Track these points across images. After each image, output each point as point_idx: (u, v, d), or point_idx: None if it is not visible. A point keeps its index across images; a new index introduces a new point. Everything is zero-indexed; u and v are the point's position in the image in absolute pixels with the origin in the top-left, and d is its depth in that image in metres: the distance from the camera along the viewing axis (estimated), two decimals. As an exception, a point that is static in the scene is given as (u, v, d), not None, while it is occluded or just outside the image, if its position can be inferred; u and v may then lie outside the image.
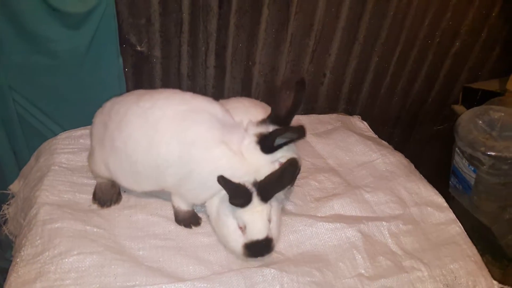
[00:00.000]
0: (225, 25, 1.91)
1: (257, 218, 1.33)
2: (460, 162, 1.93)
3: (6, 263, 2.13)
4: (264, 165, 1.41)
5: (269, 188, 1.34)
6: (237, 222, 1.35)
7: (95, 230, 1.43)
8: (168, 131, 1.38)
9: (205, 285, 1.28)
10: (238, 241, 1.35)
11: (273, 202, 1.40)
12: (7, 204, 1.76)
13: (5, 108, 1.88)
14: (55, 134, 1.91)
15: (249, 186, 1.33)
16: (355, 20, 2.10)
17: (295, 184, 1.73)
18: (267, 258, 1.41)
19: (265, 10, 1.91)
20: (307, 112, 2.30)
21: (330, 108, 2.37)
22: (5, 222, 1.72)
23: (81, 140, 1.82)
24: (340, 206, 1.64)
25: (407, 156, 1.96)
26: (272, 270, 1.33)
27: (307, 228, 1.52)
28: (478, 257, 1.54)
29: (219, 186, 1.28)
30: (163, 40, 1.96)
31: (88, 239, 1.38)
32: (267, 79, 2.15)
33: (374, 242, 1.51)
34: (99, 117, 1.58)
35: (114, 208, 1.55)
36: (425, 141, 2.76)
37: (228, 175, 1.29)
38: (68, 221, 1.43)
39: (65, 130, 1.88)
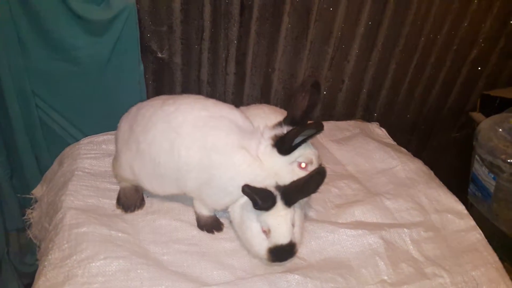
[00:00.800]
0: (246, 33, 1.93)
1: (282, 222, 1.34)
2: (480, 170, 1.93)
3: (26, 267, 2.18)
4: (282, 167, 1.42)
5: (293, 193, 1.36)
6: (261, 226, 1.36)
7: (120, 235, 1.45)
8: (189, 135, 1.41)
9: (227, 288, 1.29)
10: (262, 245, 1.35)
11: (296, 207, 1.41)
12: (31, 209, 1.78)
13: (28, 114, 1.92)
14: (76, 139, 1.94)
15: (272, 189, 1.35)
16: (374, 28, 2.11)
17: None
18: (289, 263, 1.42)
19: (286, 18, 1.93)
20: (325, 118, 2.31)
21: (347, 114, 2.38)
22: (29, 226, 1.75)
23: (103, 146, 1.85)
24: (361, 213, 1.65)
25: (424, 163, 1.97)
26: (296, 276, 1.34)
27: (329, 234, 1.53)
28: (499, 264, 1.54)
29: (239, 192, 1.30)
30: (184, 47, 1.98)
31: (114, 244, 1.40)
32: (286, 86, 2.16)
33: (395, 248, 1.51)
34: (125, 121, 1.61)
35: (137, 213, 1.57)
36: (442, 149, 2.75)
37: (249, 180, 1.31)
38: (93, 226, 1.45)
39: (85, 136, 1.91)
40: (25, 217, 1.77)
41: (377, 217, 1.64)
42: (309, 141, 1.45)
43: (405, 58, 2.29)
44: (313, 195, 1.70)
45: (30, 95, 1.89)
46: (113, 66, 1.92)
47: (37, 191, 1.88)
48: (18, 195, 1.99)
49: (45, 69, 1.86)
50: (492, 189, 1.88)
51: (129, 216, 1.55)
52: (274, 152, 1.41)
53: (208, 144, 1.39)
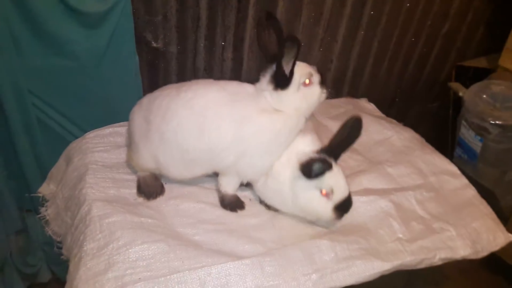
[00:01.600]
0: (244, 18, 1.98)
1: (339, 178, 1.46)
2: (466, 133, 2.12)
3: (28, 268, 2.17)
4: (293, 96, 1.49)
5: (339, 147, 1.47)
6: (319, 191, 1.45)
7: (150, 221, 1.49)
8: (216, 116, 1.48)
9: (268, 258, 1.37)
10: (327, 207, 1.45)
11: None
12: (45, 207, 1.78)
13: (26, 113, 1.88)
14: (74, 136, 1.94)
15: (316, 155, 1.45)
16: (359, 7, 2.22)
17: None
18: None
19: (280, 2, 2.00)
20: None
21: (336, 92, 2.49)
22: (46, 223, 1.74)
23: (110, 138, 1.86)
24: (367, 181, 1.77)
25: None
26: (325, 241, 1.44)
27: (342, 201, 1.64)
28: (493, 214, 1.73)
29: (279, 150, 1.45)
30: (180, 35, 2.01)
31: (147, 230, 1.44)
32: (280, 68, 2.24)
33: (404, 209, 1.66)
34: (138, 113, 1.63)
35: (160, 200, 1.61)
36: (419, 119, 2.94)
37: (289, 134, 1.47)
38: (122, 215, 1.48)
39: (83, 132, 1.90)
40: (40, 215, 1.77)
41: (382, 183, 1.77)
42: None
43: (386, 36, 2.42)
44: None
45: (26, 94, 1.85)
46: (109, 58, 1.90)
47: (44, 190, 1.87)
48: (24, 195, 1.97)
49: (40, 66, 1.82)
50: (478, 150, 2.08)
51: (153, 203, 1.59)
52: (278, 91, 1.49)
53: (237, 117, 1.47)
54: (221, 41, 2.03)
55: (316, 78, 1.55)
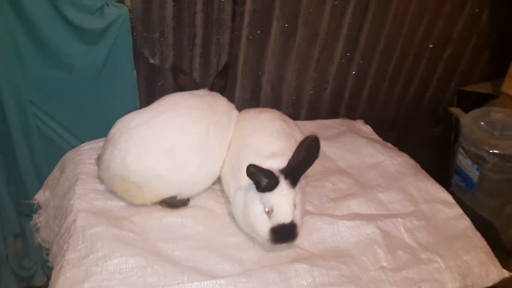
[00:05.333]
0: (238, 38, 2.01)
1: (284, 201, 1.41)
2: (464, 161, 2.07)
3: (24, 271, 2.20)
4: None
5: (296, 170, 1.44)
6: (263, 207, 1.43)
7: (131, 235, 1.50)
8: None
9: (244, 279, 1.36)
10: (264, 225, 1.42)
11: (298, 191, 1.49)
12: (38, 214, 1.80)
13: (26, 122, 1.94)
14: (72, 145, 1.98)
15: (275, 171, 1.43)
16: (356, 29, 2.23)
17: (310, 185, 1.84)
18: (292, 251, 1.51)
19: (275, 22, 2.02)
20: (311, 118, 2.41)
21: (332, 113, 2.49)
22: (36, 230, 1.77)
23: (103, 151, 1.89)
24: (356, 205, 1.75)
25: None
26: (303, 265, 1.42)
27: (328, 226, 1.62)
28: (487, 248, 1.67)
29: None
30: (176, 52, 2.04)
31: (127, 243, 1.45)
32: (275, 87, 2.26)
33: (392, 237, 1.62)
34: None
35: (144, 214, 1.62)
36: (421, 143, 2.90)
37: None
38: (105, 227, 1.49)
39: (81, 142, 1.95)
40: (32, 222, 1.79)
41: (371, 209, 1.74)
42: None
43: (385, 58, 2.42)
44: (309, 190, 1.81)
45: (27, 104, 1.91)
46: (107, 73, 1.96)
47: (40, 197, 1.90)
48: (22, 200, 2.00)
49: (41, 78, 1.89)
50: (476, 179, 2.03)
51: (137, 217, 1.60)
52: None
53: None
54: (215, 59, 2.06)
55: None
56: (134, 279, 1.34)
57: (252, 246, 1.54)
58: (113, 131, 1.64)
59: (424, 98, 2.74)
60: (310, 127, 2.25)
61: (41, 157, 2.05)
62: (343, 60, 2.32)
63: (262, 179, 1.39)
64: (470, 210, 1.84)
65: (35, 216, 1.79)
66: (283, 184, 1.42)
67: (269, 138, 1.64)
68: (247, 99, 2.24)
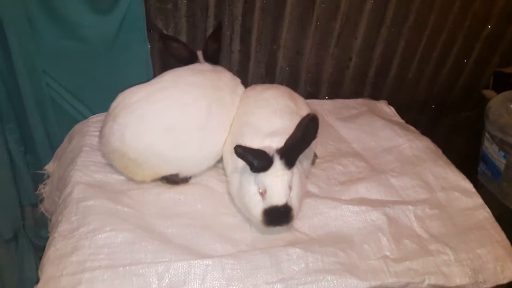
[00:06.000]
0: (251, 9, 1.91)
1: (277, 182, 1.34)
2: (490, 148, 1.89)
3: (41, 240, 2.25)
4: None
5: (292, 150, 1.36)
6: (257, 188, 1.37)
7: (125, 209, 1.48)
8: None
9: (232, 261, 1.31)
10: (257, 206, 1.36)
11: (296, 173, 1.41)
12: (44, 184, 1.83)
13: (39, 92, 1.95)
14: (85, 116, 1.97)
15: (271, 150, 1.36)
16: (382, 3, 2.06)
17: (319, 167, 1.75)
18: (287, 232, 1.44)
19: (291, -8, 1.91)
20: (332, 97, 2.29)
21: (355, 93, 2.35)
22: (41, 201, 1.80)
23: (111, 124, 1.87)
24: (365, 190, 1.64)
25: (435, 143, 1.94)
26: (297, 249, 1.35)
27: (331, 210, 1.53)
28: (507, 242, 1.52)
29: None
30: (189, 25, 1.98)
31: (119, 218, 1.44)
32: (292, 63, 2.14)
33: (399, 225, 1.51)
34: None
35: (144, 188, 1.59)
36: (453, 128, 2.71)
37: None
38: (100, 200, 1.48)
39: (94, 113, 1.95)
40: (37, 192, 1.82)
41: (381, 194, 1.64)
42: None
43: (415, 35, 2.24)
44: (317, 172, 1.73)
45: (41, 73, 1.92)
46: (120, 44, 1.93)
47: (50, 167, 1.93)
48: (32, 170, 2.04)
49: (54, 47, 1.88)
50: (502, 167, 1.85)
51: (135, 191, 1.58)
52: None
53: None
54: (228, 32, 1.97)
55: None
56: (121, 254, 1.32)
57: (249, 227, 1.48)
58: (114, 104, 1.61)
59: (458, 80, 2.54)
60: (328, 106, 2.14)
61: (54, 128, 2.06)
62: (368, 36, 2.16)
63: (252, 160, 1.32)
64: (496, 200, 1.68)
65: (41, 187, 1.81)
66: (278, 164, 1.35)
67: (272, 116, 1.56)
68: (262, 75, 2.14)
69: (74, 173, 1.60)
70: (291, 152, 1.37)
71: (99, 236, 1.36)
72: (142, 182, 1.59)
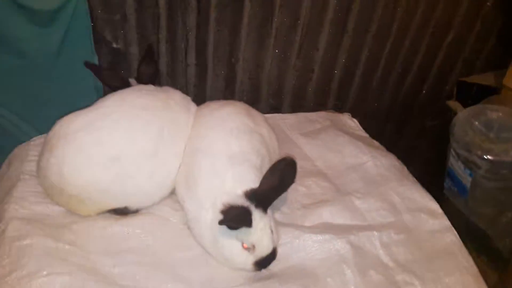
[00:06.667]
0: (205, 20, 1.79)
1: (264, 235, 1.26)
2: (455, 164, 1.84)
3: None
4: None
5: (269, 196, 1.29)
6: (241, 243, 1.26)
7: (67, 247, 1.33)
8: None
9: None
10: (247, 260, 1.27)
11: (269, 211, 1.32)
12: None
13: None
14: (30, 136, 1.80)
15: (244, 201, 1.26)
16: (343, 12, 1.98)
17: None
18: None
19: (247, 4, 1.79)
20: (295, 110, 2.20)
21: (319, 104, 2.27)
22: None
23: (54, 147, 1.71)
24: (329, 214, 1.55)
25: (399, 153, 1.89)
26: (261, 284, 1.26)
27: (294, 240, 1.43)
28: (474, 268, 1.46)
29: None
30: (140, 36, 1.85)
31: (59, 258, 1.29)
32: (252, 76, 2.04)
33: (364, 254, 1.43)
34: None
35: (89, 220, 1.45)
36: (417, 137, 2.68)
37: None
38: (38, 238, 1.33)
39: (42, 133, 1.75)
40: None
41: (346, 218, 1.55)
42: None
43: (378, 44, 2.18)
44: (280, 197, 1.62)
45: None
46: (65, 58, 1.79)
47: None
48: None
49: (-7, 64, 1.73)
50: (468, 185, 1.80)
51: (79, 225, 1.43)
52: None
53: None
54: (183, 45, 1.85)
55: None
56: (59, 303, 1.18)
57: (205, 263, 1.36)
58: (51, 134, 1.45)
59: (422, 88, 2.51)
60: (291, 120, 2.04)
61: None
62: (329, 47, 2.07)
63: (237, 225, 1.22)
64: (463, 217, 1.62)
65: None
66: (256, 214, 1.25)
67: (227, 136, 1.43)
68: (221, 88, 2.03)
69: (9, 207, 1.43)
70: (267, 201, 1.28)
71: (34, 282, 1.21)
72: (88, 216, 1.45)
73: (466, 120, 1.78)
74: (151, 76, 1.69)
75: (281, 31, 1.92)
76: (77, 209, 1.44)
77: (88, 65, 1.71)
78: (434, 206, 1.62)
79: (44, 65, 1.77)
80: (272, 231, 1.29)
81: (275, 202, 1.55)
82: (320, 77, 2.17)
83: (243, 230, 1.24)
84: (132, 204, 1.46)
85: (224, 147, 1.41)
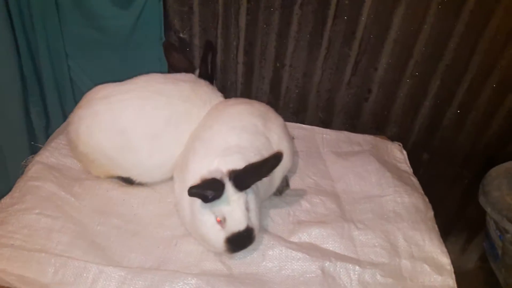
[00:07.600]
0: (254, 21, 1.82)
1: (235, 208, 1.27)
2: (489, 224, 1.54)
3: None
4: None
5: (246, 177, 1.28)
6: (214, 217, 1.28)
7: (68, 196, 1.51)
8: None
9: (123, 274, 1.26)
10: (218, 236, 1.29)
11: (249, 192, 1.32)
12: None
13: (60, 72, 2.09)
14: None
15: (222, 175, 1.28)
16: (411, 33, 1.81)
17: (285, 200, 1.60)
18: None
19: (297, 10, 1.76)
20: (346, 128, 2.08)
21: (376, 129, 2.09)
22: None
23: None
24: (318, 236, 1.46)
25: (452, 200, 1.64)
26: (203, 279, 1.26)
27: (266, 248, 1.39)
28: None
29: None
30: (202, 29, 1.96)
31: (54, 204, 1.46)
32: (299, 84, 1.99)
33: (334, 285, 1.31)
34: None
35: (99, 181, 1.61)
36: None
37: None
38: (48, 183, 1.53)
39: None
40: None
41: (334, 245, 1.44)
42: None
43: (453, 76, 1.91)
44: (279, 204, 1.59)
45: (64, 55, 2.06)
46: (136, 39, 2.00)
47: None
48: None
49: (77, 34, 2.01)
50: (499, 250, 1.49)
51: (89, 182, 1.60)
52: None
53: None
54: (235, 42, 1.90)
55: None
56: (35, 238, 1.34)
57: (174, 244, 1.40)
58: (85, 95, 1.64)
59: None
60: (330, 136, 1.95)
61: (71, 108, 2.18)
62: (391, 69, 1.91)
63: (205, 193, 1.24)
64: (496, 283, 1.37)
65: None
66: (230, 188, 1.27)
67: (229, 132, 1.45)
68: (266, 91, 2.03)
69: (42, 152, 1.67)
70: (244, 180, 1.28)
71: (26, 216, 1.40)
72: (97, 177, 1.61)
73: (497, 177, 1.48)
74: (205, 73, 1.81)
75: (334, 43, 1.84)
76: (88, 168, 1.60)
77: (164, 44, 1.91)
78: (444, 260, 1.40)
79: (119, 43, 2.01)
80: (248, 210, 1.28)
81: (269, 209, 1.53)
82: (379, 99, 2.01)
83: (217, 203, 1.25)
84: (133, 176, 1.57)
85: (222, 139, 1.43)
